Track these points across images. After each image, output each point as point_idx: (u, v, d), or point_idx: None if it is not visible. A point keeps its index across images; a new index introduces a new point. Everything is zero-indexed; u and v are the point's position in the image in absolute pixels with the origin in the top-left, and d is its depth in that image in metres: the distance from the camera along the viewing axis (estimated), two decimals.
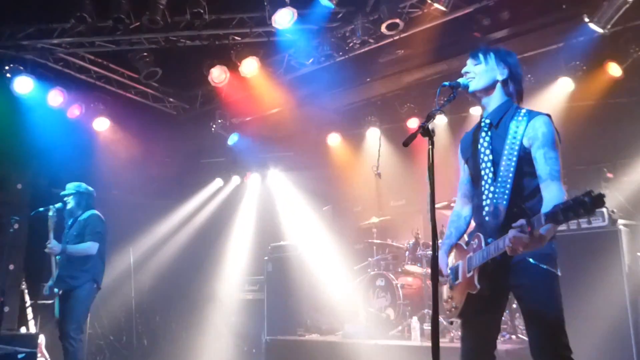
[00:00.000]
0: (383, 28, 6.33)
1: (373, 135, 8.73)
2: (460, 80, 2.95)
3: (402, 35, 6.54)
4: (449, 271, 2.97)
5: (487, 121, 2.92)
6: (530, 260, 2.68)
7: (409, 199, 8.72)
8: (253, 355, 7.92)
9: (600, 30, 5.88)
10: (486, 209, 2.83)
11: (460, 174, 3.15)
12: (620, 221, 5.06)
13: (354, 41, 6.85)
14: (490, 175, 2.83)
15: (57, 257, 5.58)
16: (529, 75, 7.11)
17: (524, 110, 2.86)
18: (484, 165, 2.88)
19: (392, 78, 7.97)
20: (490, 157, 2.85)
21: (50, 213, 5.57)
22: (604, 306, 4.85)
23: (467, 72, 2.95)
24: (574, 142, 6.95)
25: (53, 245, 5.41)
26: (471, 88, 2.92)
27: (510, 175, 2.73)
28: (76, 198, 5.75)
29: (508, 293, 2.90)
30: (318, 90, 8.30)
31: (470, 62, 2.98)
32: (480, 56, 2.94)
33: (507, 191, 2.73)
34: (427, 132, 2.54)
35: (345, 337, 6.51)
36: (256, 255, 9.23)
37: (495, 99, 2.92)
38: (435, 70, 7.54)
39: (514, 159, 2.74)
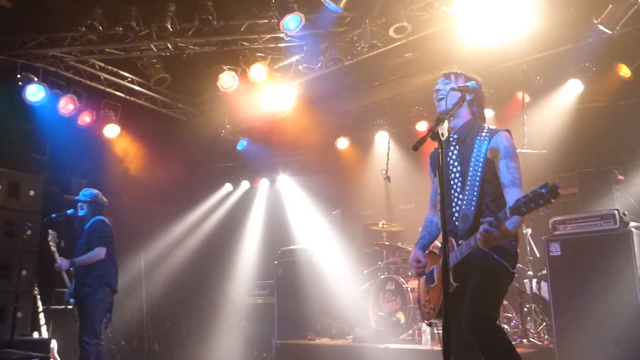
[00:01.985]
0: (391, 31, 6.34)
1: (382, 139, 8.73)
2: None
3: (410, 39, 6.55)
4: (424, 275, 3.26)
5: (456, 136, 3.18)
6: (485, 249, 2.86)
7: (418, 202, 8.70)
8: None
9: (609, 32, 5.85)
10: (456, 214, 3.06)
11: (431, 187, 3.44)
12: (632, 224, 5.02)
13: (362, 45, 6.87)
14: (459, 184, 3.08)
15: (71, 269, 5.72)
16: (538, 77, 7.10)
17: (486, 127, 3.14)
18: (452, 176, 3.13)
19: (400, 81, 7.98)
20: (459, 168, 3.10)
21: (49, 238, 5.72)
22: (616, 309, 4.80)
23: (439, 90, 3.22)
24: (584, 144, 6.97)
25: (61, 263, 5.55)
26: (440, 108, 3.17)
27: (477, 184, 2.97)
28: (91, 207, 5.84)
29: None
30: (326, 95, 8.32)
31: (441, 81, 3.28)
32: (453, 77, 3.25)
33: (474, 198, 2.97)
34: (436, 136, 2.58)
35: (356, 341, 6.50)
36: (266, 259, 9.25)
37: (462, 117, 3.20)
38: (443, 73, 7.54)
39: (479, 170, 2.99)
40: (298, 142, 9.66)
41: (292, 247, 8.31)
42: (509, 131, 3.11)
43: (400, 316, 6.53)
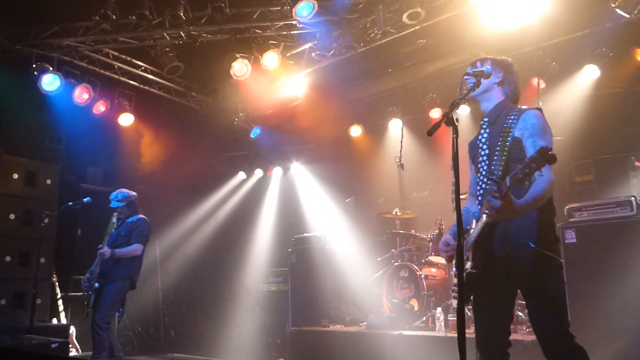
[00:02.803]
0: (404, 17, 6.29)
1: (395, 126, 8.70)
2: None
3: (423, 25, 6.49)
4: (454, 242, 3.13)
5: (487, 119, 3.14)
6: (530, 244, 2.78)
7: (432, 190, 8.68)
8: (277, 346, 8.00)
9: (626, 16, 5.75)
10: (480, 198, 3.01)
11: (470, 174, 3.33)
12: None
13: (375, 32, 6.82)
14: (485, 166, 3.02)
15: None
16: (554, 63, 7.00)
17: (517, 108, 3.08)
18: (480, 159, 3.07)
19: (413, 68, 7.91)
20: (487, 151, 3.05)
21: (114, 219, 5.88)
22: (632, 297, 4.77)
23: (468, 78, 3.10)
24: (600, 130, 6.89)
25: (105, 251, 5.66)
26: (472, 94, 3.05)
27: (502, 163, 2.89)
28: (129, 207, 6.03)
29: (512, 279, 2.92)
30: (339, 82, 8.29)
31: (470, 70, 3.17)
32: (479, 64, 3.19)
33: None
34: (451, 121, 2.57)
35: (370, 327, 6.53)
36: (280, 247, 9.30)
37: (494, 100, 3.16)
38: (457, 60, 7.46)
39: (506, 148, 2.91)
40: (311, 130, 9.64)
41: (305, 234, 8.35)
42: (539, 109, 3.03)
43: (414, 303, 6.56)
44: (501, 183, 2.58)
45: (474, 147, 3.22)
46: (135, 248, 5.81)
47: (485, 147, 3.07)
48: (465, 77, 3.06)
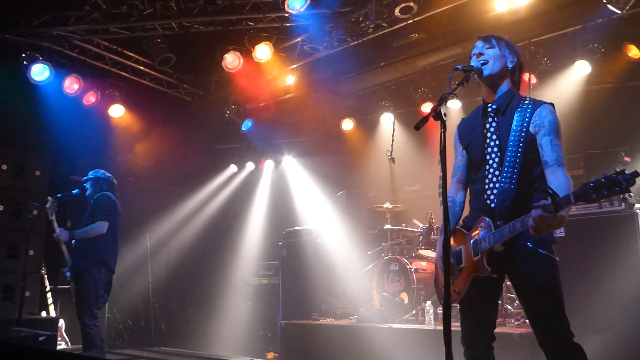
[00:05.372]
0: (397, 11, 6.28)
1: (387, 120, 8.70)
2: (473, 63, 2.94)
3: (416, 19, 6.48)
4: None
5: (495, 107, 2.96)
6: (529, 245, 2.72)
7: (423, 184, 8.70)
8: (268, 339, 8.01)
9: (618, 12, 5.77)
10: (489, 192, 2.87)
11: (456, 160, 3.16)
12: (637, 205, 5.00)
13: (368, 25, 6.79)
14: (497, 160, 2.88)
15: (72, 242, 5.58)
16: (545, 59, 7.02)
17: (528, 99, 2.93)
18: (489, 150, 2.92)
19: (406, 62, 7.90)
20: (497, 142, 2.90)
21: (47, 205, 5.58)
22: (619, 291, 4.81)
23: (481, 54, 2.95)
24: (591, 125, 6.91)
25: (59, 233, 5.42)
26: (486, 72, 2.92)
27: (518, 160, 2.78)
28: (94, 184, 5.74)
29: (505, 276, 2.91)
30: (331, 75, 8.27)
31: (481, 44, 2.99)
32: (494, 41, 2.97)
33: (514, 175, 2.78)
34: (439, 115, 2.53)
35: (360, 321, 6.56)
36: (271, 240, 9.30)
37: (503, 86, 2.97)
38: (449, 54, 7.46)
39: (521, 145, 2.79)
40: (303, 123, 9.65)
41: (296, 228, 8.34)
42: (553, 105, 2.88)
43: (404, 296, 6.58)
44: (558, 200, 2.40)
45: (469, 131, 3.05)
46: (98, 225, 5.37)
47: (495, 137, 2.90)
48: (485, 55, 2.91)
